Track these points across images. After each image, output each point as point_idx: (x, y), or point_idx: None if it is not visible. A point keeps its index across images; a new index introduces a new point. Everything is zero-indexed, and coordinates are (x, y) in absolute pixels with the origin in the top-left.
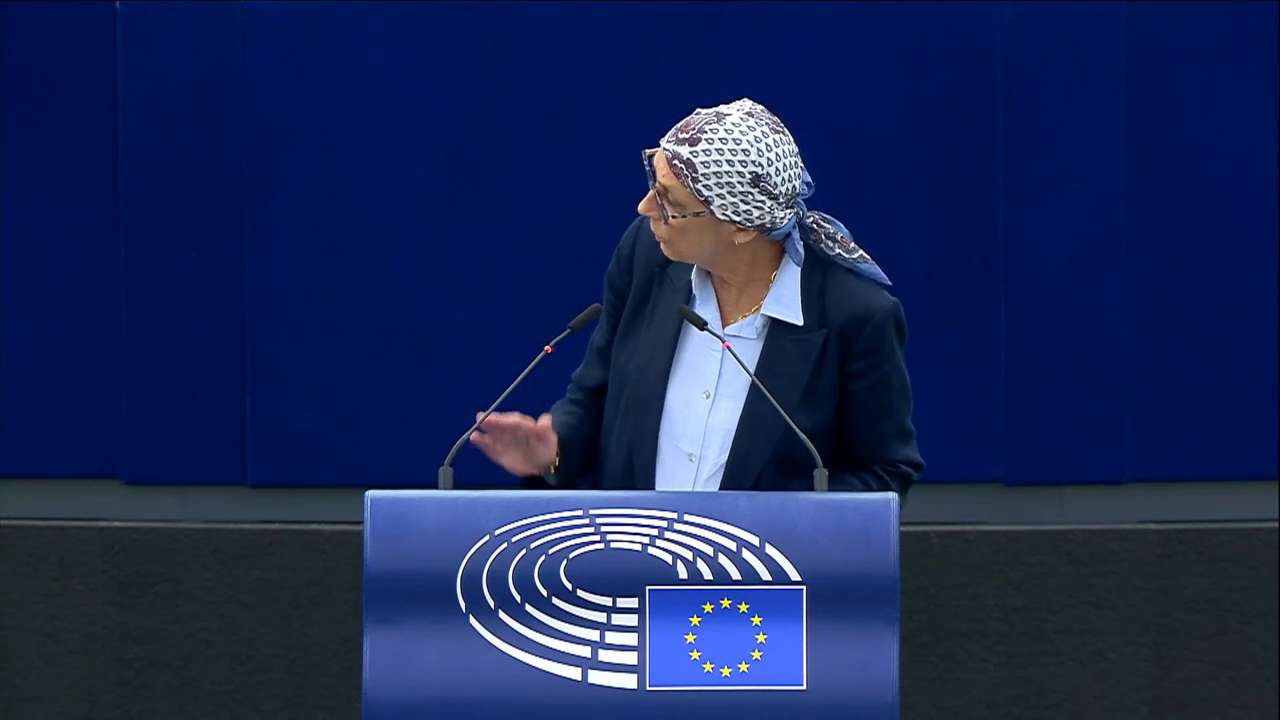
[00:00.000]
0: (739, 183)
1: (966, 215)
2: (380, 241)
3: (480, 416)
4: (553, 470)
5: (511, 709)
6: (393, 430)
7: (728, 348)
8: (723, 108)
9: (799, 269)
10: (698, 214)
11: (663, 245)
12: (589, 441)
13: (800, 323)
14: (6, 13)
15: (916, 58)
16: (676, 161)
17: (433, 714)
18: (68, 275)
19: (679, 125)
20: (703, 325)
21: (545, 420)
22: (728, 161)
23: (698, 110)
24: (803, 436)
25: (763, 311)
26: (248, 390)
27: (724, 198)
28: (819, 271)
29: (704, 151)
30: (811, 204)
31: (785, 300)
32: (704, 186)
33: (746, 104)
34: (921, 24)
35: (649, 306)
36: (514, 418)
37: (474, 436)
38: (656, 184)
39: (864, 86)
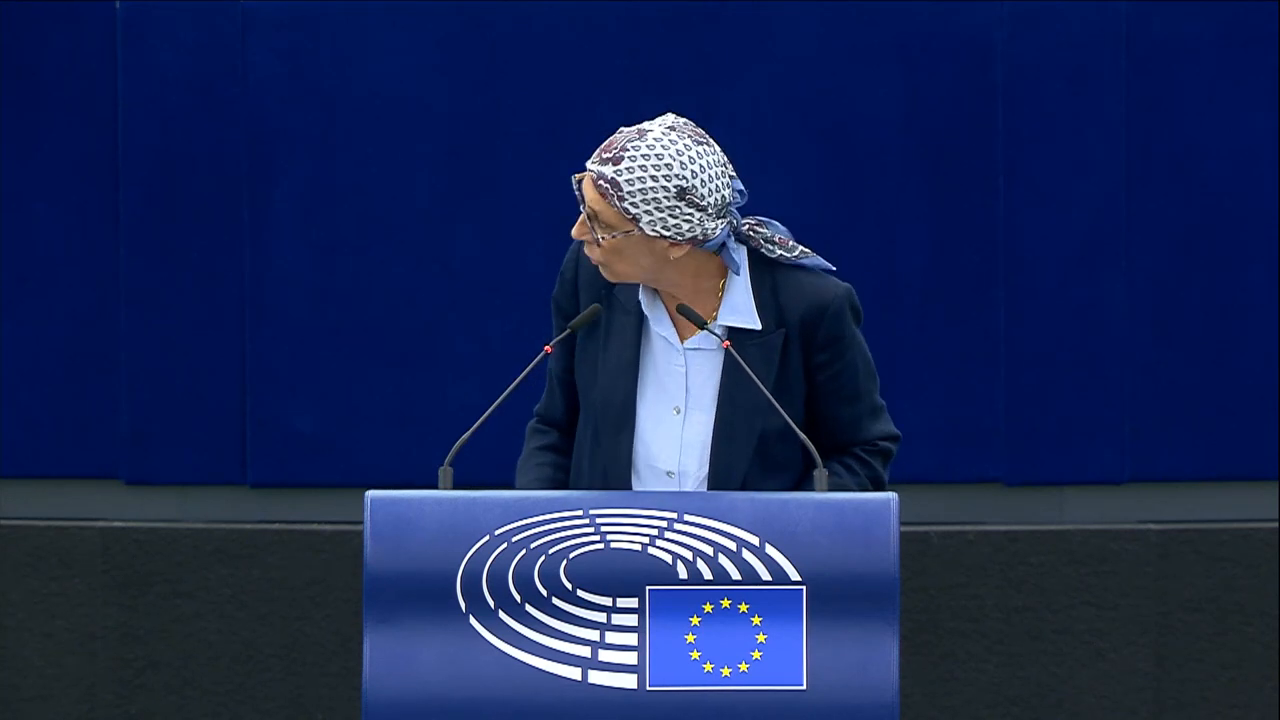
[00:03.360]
0: (665, 197)
1: (966, 215)
2: (380, 241)
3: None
4: None
5: (511, 709)
6: (393, 430)
7: (728, 347)
8: (645, 124)
9: (747, 275)
10: (628, 232)
11: (600, 269)
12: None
13: (759, 327)
14: (6, 13)
15: (916, 58)
16: (601, 182)
17: (433, 714)
18: (68, 275)
19: (602, 145)
20: (703, 324)
21: None
22: (651, 177)
23: (620, 129)
24: (803, 438)
25: (719, 321)
26: (248, 390)
27: (651, 214)
28: (767, 272)
29: (627, 169)
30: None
31: (740, 307)
32: (630, 204)
33: (669, 118)
34: (921, 24)
35: (601, 329)
36: None
37: None
38: (586, 207)
39: (864, 86)
